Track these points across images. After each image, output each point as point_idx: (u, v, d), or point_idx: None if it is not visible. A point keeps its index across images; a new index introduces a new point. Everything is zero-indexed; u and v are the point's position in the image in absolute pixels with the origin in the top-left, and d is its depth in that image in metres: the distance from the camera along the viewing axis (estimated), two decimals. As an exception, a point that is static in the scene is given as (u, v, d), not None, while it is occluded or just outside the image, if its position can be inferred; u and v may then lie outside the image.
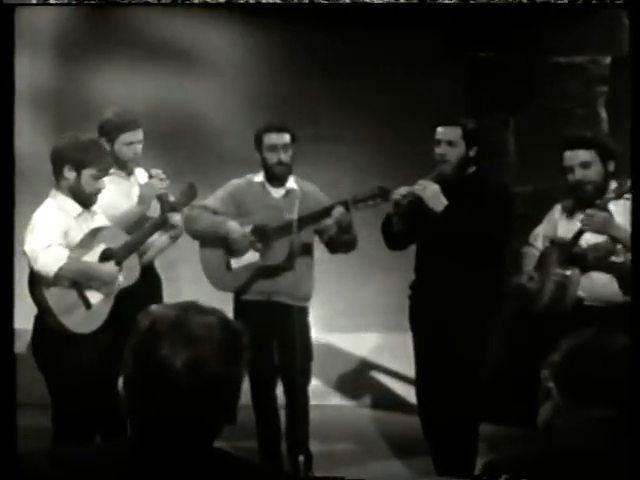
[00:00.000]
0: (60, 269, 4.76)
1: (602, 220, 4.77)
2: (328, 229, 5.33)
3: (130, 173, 5.42)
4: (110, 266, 4.92)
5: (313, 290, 5.57)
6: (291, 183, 5.52)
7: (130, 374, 2.01)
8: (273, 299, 5.42)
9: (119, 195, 5.34)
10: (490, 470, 2.28)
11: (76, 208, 4.94)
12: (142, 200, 5.28)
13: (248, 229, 5.38)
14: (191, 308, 2.04)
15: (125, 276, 4.98)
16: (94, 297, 4.92)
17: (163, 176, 5.28)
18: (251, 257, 5.41)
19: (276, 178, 5.49)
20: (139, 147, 5.35)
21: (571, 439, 2.30)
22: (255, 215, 5.42)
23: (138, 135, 5.34)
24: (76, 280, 4.87)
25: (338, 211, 5.25)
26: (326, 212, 5.30)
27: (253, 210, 5.45)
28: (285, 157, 5.44)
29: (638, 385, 2.29)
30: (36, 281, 4.84)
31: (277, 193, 5.51)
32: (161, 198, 5.25)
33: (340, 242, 5.41)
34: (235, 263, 5.43)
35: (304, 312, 5.52)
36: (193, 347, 1.98)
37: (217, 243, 5.45)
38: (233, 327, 2.05)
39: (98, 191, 4.95)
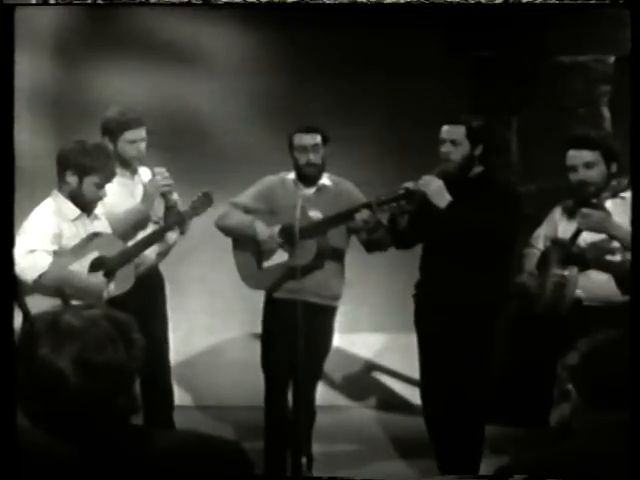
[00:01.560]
0: (40, 276, 4.73)
1: (599, 219, 4.76)
2: (360, 230, 5.33)
3: (134, 172, 5.42)
4: (97, 277, 4.89)
5: (343, 289, 5.55)
6: (324, 179, 5.52)
7: (21, 382, 2.00)
8: (301, 298, 5.35)
9: (123, 195, 5.34)
10: (503, 474, 2.27)
11: (74, 211, 4.93)
12: (146, 198, 5.28)
13: (276, 229, 5.39)
14: (71, 306, 2.05)
15: (117, 284, 4.95)
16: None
17: (167, 174, 5.28)
18: (281, 256, 5.42)
19: (306, 178, 5.49)
20: (142, 145, 5.35)
21: (587, 441, 2.29)
22: (285, 213, 5.41)
23: (141, 133, 5.34)
24: (59, 288, 4.83)
25: (362, 213, 5.23)
26: (349, 214, 5.29)
27: (284, 207, 5.44)
28: (315, 158, 5.43)
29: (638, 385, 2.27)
30: (18, 286, 4.80)
31: (309, 191, 5.50)
32: (165, 195, 5.25)
33: (371, 242, 5.41)
34: (266, 262, 5.45)
35: (331, 312, 5.52)
36: (74, 342, 1.97)
37: (248, 242, 5.47)
38: (119, 318, 2.07)
39: (99, 199, 4.95)
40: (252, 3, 4.77)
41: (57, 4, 4.84)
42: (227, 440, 2.18)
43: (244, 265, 5.52)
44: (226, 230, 5.55)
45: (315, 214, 5.38)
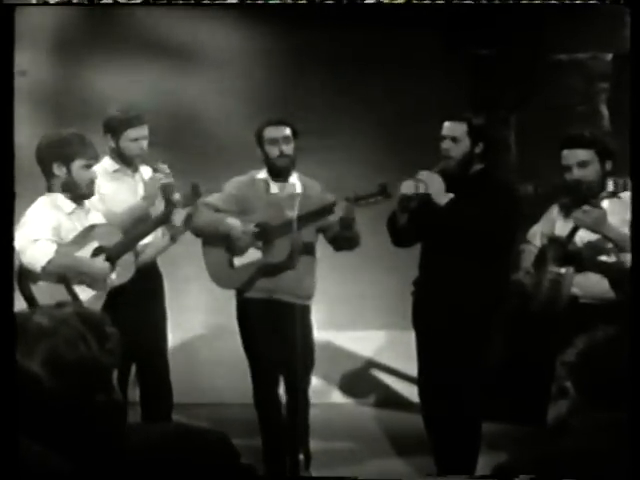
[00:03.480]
0: (48, 263, 4.78)
1: (596, 217, 4.76)
2: (331, 227, 5.32)
3: (135, 170, 5.43)
4: (102, 262, 4.92)
5: (315, 288, 5.54)
6: (294, 180, 5.50)
7: None
8: (274, 297, 5.39)
9: (124, 192, 5.35)
10: (501, 473, 2.26)
11: (69, 205, 4.95)
12: (148, 194, 5.28)
13: (250, 226, 5.36)
14: (41, 306, 2.04)
15: (119, 273, 4.99)
16: (85, 293, 4.92)
17: (168, 170, 5.28)
18: (253, 255, 5.39)
19: (279, 172, 5.46)
20: (144, 143, 5.36)
21: (585, 439, 2.28)
22: (257, 213, 5.41)
23: (143, 131, 5.35)
24: (65, 275, 4.87)
25: (339, 208, 5.22)
26: (327, 209, 5.28)
27: (255, 207, 5.43)
28: (287, 149, 5.42)
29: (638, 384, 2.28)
30: (24, 275, 4.85)
31: (280, 190, 5.48)
32: (165, 190, 5.24)
33: (343, 239, 5.38)
34: (237, 261, 5.42)
35: (306, 310, 5.49)
36: (44, 342, 1.97)
37: (219, 241, 5.43)
38: (91, 314, 2.06)
39: (91, 181, 4.96)
40: (253, 3, 4.78)
41: (57, 4, 4.84)
42: (213, 431, 2.18)
43: (214, 264, 5.46)
44: (196, 229, 5.46)
45: (289, 213, 5.35)
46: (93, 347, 2.00)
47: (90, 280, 4.90)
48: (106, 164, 5.36)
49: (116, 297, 4.98)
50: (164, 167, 5.30)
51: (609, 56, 6.73)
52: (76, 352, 1.98)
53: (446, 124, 5.22)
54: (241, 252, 5.40)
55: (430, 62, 6.84)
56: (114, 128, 5.33)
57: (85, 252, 4.95)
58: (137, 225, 5.21)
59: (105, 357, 2.02)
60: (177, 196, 5.22)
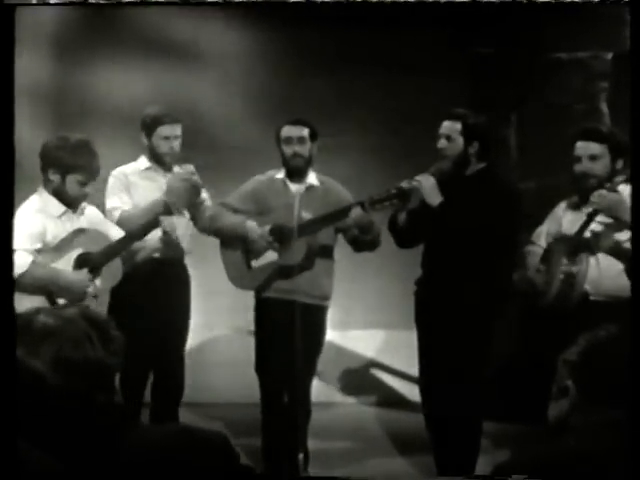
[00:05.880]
0: (21, 276, 4.64)
1: (614, 200, 4.77)
2: (350, 228, 5.31)
3: (168, 170, 5.43)
4: (81, 274, 4.85)
5: (332, 290, 5.54)
6: (312, 179, 5.50)
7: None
8: (291, 298, 5.36)
9: (153, 190, 5.35)
10: (501, 473, 2.26)
11: (59, 208, 4.90)
12: (169, 191, 5.27)
13: (267, 228, 5.37)
14: (46, 307, 2.05)
15: (103, 279, 4.92)
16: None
17: (193, 170, 5.28)
18: (270, 256, 5.40)
19: (294, 172, 5.46)
20: (176, 143, 5.39)
21: (586, 438, 2.27)
22: (274, 213, 5.41)
23: (176, 130, 5.39)
24: (44, 287, 4.77)
25: (355, 212, 5.21)
26: (343, 213, 5.27)
27: (272, 207, 5.44)
28: (301, 149, 5.42)
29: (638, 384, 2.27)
30: None
31: (297, 190, 5.47)
32: (191, 190, 5.24)
33: (362, 242, 5.39)
34: (255, 262, 5.43)
35: (321, 311, 5.50)
36: (51, 341, 1.99)
37: (237, 242, 5.45)
38: (98, 318, 2.09)
39: (84, 197, 4.92)
40: (253, 2, 4.77)
41: (57, 4, 4.84)
42: (212, 432, 2.20)
43: (232, 265, 5.49)
44: (215, 231, 5.52)
45: (306, 214, 5.36)
46: (98, 348, 2.03)
47: (68, 293, 4.80)
48: (140, 162, 5.41)
49: (121, 300, 4.98)
50: (189, 167, 5.29)
51: (609, 55, 6.74)
52: (81, 352, 2.00)
53: (444, 123, 5.22)
54: (258, 254, 5.41)
55: (430, 62, 6.83)
56: (148, 125, 5.39)
57: (67, 259, 4.89)
58: (153, 223, 5.17)
59: (109, 359, 2.04)
60: (205, 193, 5.21)
